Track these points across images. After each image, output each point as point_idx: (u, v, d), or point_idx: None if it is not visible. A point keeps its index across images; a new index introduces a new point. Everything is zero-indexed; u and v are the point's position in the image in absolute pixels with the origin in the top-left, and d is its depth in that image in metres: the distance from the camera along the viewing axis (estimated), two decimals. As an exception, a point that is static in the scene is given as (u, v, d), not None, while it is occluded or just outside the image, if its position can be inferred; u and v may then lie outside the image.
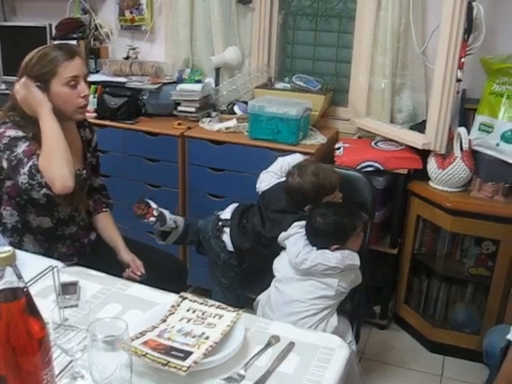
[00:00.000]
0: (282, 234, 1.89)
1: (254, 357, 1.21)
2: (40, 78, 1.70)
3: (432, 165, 2.40)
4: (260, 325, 1.35)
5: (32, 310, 0.92)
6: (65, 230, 1.90)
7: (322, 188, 1.92)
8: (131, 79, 2.94)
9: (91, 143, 2.02)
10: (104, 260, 1.85)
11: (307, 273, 1.79)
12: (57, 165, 1.61)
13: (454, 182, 2.36)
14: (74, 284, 1.45)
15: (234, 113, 2.82)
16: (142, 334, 1.22)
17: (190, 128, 2.72)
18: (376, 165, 2.43)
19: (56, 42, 2.61)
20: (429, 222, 2.50)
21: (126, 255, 1.95)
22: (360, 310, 2.14)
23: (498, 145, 2.28)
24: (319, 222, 1.81)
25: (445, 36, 2.21)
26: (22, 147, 1.64)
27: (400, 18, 2.54)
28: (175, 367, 1.10)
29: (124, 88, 2.89)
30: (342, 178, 2.00)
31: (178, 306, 1.35)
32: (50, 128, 1.66)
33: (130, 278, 1.84)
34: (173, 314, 1.32)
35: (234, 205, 2.19)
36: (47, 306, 1.12)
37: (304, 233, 1.86)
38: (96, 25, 3.24)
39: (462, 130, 2.31)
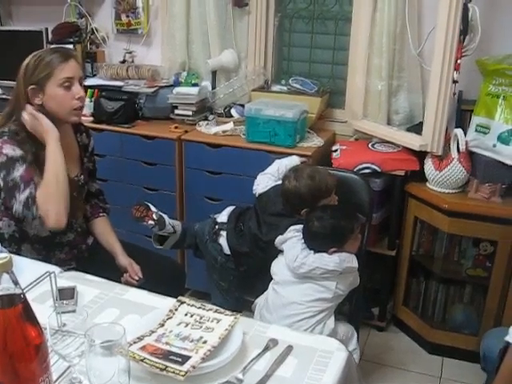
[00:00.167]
0: (279, 238, 1.89)
1: (252, 361, 1.21)
2: (38, 82, 1.70)
3: (429, 166, 2.40)
4: (258, 328, 1.34)
5: (29, 316, 0.92)
6: (62, 237, 1.89)
7: (319, 191, 1.92)
8: (128, 83, 2.93)
9: (88, 148, 2.01)
10: (102, 265, 1.84)
11: (305, 276, 1.79)
12: (54, 200, 1.64)
13: (451, 184, 2.36)
14: (72, 289, 1.45)
15: (231, 116, 2.82)
16: (140, 338, 1.21)
17: (186, 131, 2.72)
18: (373, 167, 2.43)
19: (52, 47, 2.62)
20: (426, 223, 2.50)
21: (123, 259, 1.94)
22: (358, 311, 2.14)
23: (494, 146, 2.28)
24: (316, 225, 1.81)
25: (441, 37, 2.21)
26: (20, 171, 1.65)
27: (396, 20, 2.54)
28: (173, 372, 1.10)
29: (121, 92, 2.89)
30: (338, 180, 2.00)
31: (176, 310, 1.34)
32: (53, 157, 1.68)
33: (127, 283, 1.84)
34: (171, 318, 1.31)
35: (231, 208, 2.19)
36: (45, 312, 1.11)
37: (301, 236, 1.85)
38: (92, 29, 3.24)
39: (459, 132, 2.32)
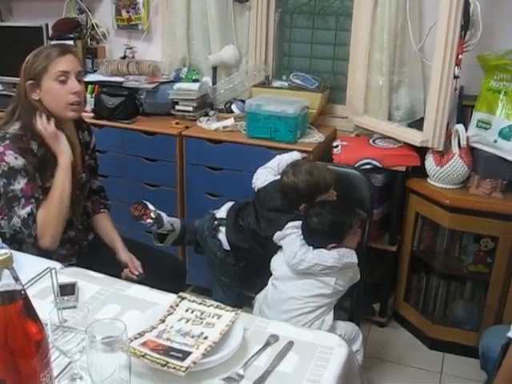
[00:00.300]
0: (278, 234, 1.89)
1: (252, 356, 1.21)
2: (35, 77, 1.70)
3: (430, 162, 2.40)
4: (259, 324, 1.34)
5: (30, 312, 0.92)
6: (63, 235, 1.88)
7: (317, 186, 1.92)
8: (128, 79, 2.93)
9: (89, 145, 2.01)
10: (103, 260, 1.84)
11: (305, 273, 1.79)
12: (53, 224, 1.70)
13: (452, 179, 2.36)
14: (73, 285, 1.45)
15: (232, 111, 2.82)
16: (141, 334, 1.22)
17: (187, 127, 2.72)
18: (374, 162, 2.43)
19: (53, 42, 2.61)
20: (427, 219, 2.50)
21: (124, 255, 1.95)
22: (359, 307, 2.14)
23: (495, 141, 2.28)
24: (315, 221, 1.81)
25: (442, 33, 2.20)
26: (21, 184, 1.66)
27: (397, 16, 2.53)
28: (174, 368, 1.10)
29: (121, 87, 2.89)
30: (338, 176, 2.00)
31: (177, 306, 1.34)
32: (62, 179, 1.72)
33: (127, 278, 1.84)
34: (171, 314, 1.31)
35: (230, 203, 2.19)
36: (46, 308, 1.12)
37: (299, 233, 1.85)
38: (93, 24, 3.24)
39: (460, 127, 2.31)
